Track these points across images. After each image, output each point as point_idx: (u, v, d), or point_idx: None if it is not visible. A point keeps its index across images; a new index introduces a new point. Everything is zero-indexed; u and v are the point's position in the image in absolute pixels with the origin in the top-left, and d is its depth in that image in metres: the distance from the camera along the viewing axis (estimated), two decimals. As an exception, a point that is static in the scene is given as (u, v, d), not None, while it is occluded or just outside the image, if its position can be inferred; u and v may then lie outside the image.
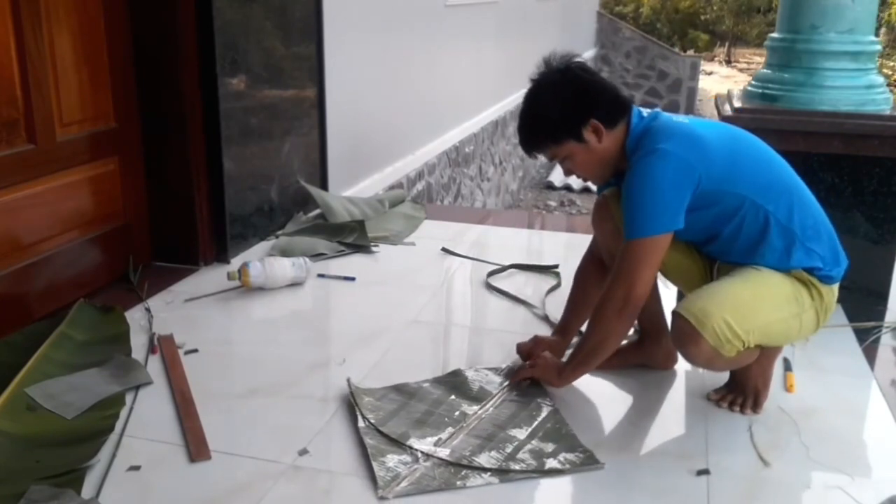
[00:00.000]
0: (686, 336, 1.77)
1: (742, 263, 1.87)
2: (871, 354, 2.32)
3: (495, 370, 2.11)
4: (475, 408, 1.92)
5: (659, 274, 1.92)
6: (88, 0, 2.50)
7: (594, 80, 1.91)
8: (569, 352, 2.09)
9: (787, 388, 2.07)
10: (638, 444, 1.83)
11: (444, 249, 3.13)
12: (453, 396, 1.97)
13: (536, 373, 2.01)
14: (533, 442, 1.79)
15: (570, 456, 1.74)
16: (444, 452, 1.72)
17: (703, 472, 1.70)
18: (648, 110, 1.90)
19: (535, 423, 1.86)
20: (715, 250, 1.93)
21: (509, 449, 1.75)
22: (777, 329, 1.84)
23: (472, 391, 2.00)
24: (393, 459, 1.70)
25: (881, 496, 1.64)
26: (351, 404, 1.90)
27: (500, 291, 2.72)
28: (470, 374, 2.08)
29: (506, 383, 2.03)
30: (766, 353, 1.93)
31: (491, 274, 2.86)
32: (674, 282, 2.09)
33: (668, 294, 2.25)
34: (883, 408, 2.03)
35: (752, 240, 1.84)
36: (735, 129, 1.95)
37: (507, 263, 2.94)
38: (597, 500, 1.63)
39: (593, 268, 2.13)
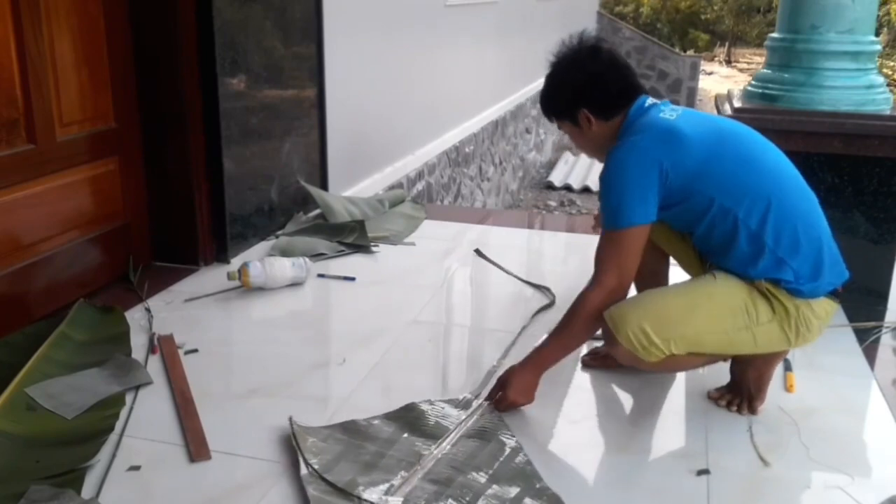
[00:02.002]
0: (608, 338, 1.86)
1: (718, 262, 1.87)
2: (871, 354, 2.32)
3: (452, 402, 1.93)
4: (430, 446, 1.74)
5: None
6: (88, 0, 2.50)
7: (600, 70, 1.91)
8: None
9: (787, 387, 2.07)
10: (638, 444, 1.83)
11: (477, 252, 3.10)
12: (406, 434, 1.78)
13: (512, 396, 1.88)
14: (494, 487, 1.62)
15: (535, 502, 1.58)
16: (396, 502, 1.55)
17: (703, 472, 1.70)
18: (653, 101, 1.89)
19: (497, 463, 1.69)
20: (697, 246, 1.96)
21: (468, 497, 1.58)
22: (713, 340, 1.82)
23: (428, 426, 1.81)
24: None
25: (881, 496, 1.64)
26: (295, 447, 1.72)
27: (490, 261, 2.69)
28: (425, 406, 1.89)
29: (463, 417, 1.86)
30: (764, 360, 1.91)
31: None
32: (677, 262, 2.13)
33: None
34: (883, 408, 2.03)
35: (723, 241, 1.82)
36: (732, 129, 1.90)
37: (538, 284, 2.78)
38: (597, 500, 1.63)
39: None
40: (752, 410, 1.95)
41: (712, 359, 1.94)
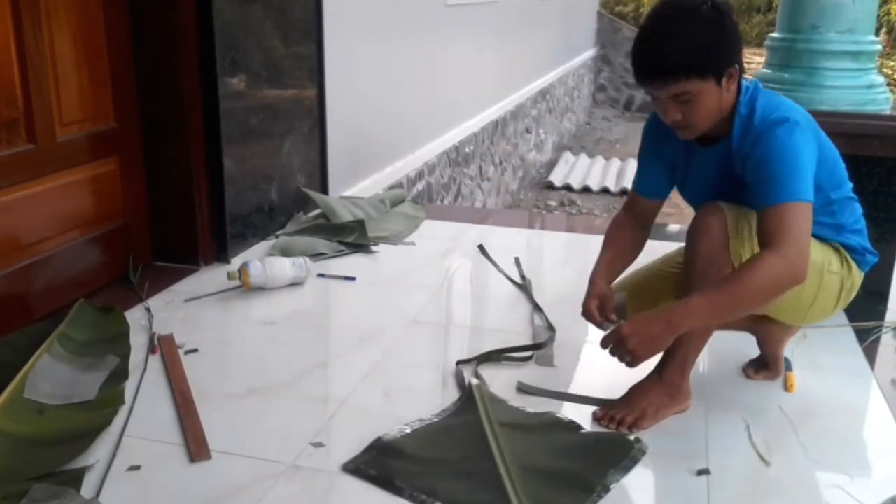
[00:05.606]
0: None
1: None
2: (871, 354, 2.32)
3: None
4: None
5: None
6: (89, 0, 2.50)
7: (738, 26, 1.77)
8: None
9: (787, 387, 2.07)
10: (638, 443, 1.83)
11: (480, 248, 3.12)
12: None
13: (634, 344, 1.66)
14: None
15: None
16: None
17: (703, 472, 1.70)
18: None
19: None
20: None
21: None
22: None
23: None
24: None
25: (881, 496, 1.64)
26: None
27: (491, 261, 2.82)
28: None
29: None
30: (783, 336, 2.08)
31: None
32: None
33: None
34: (883, 408, 2.03)
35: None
36: None
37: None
38: (597, 500, 1.63)
39: (630, 229, 2.01)
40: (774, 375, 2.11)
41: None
